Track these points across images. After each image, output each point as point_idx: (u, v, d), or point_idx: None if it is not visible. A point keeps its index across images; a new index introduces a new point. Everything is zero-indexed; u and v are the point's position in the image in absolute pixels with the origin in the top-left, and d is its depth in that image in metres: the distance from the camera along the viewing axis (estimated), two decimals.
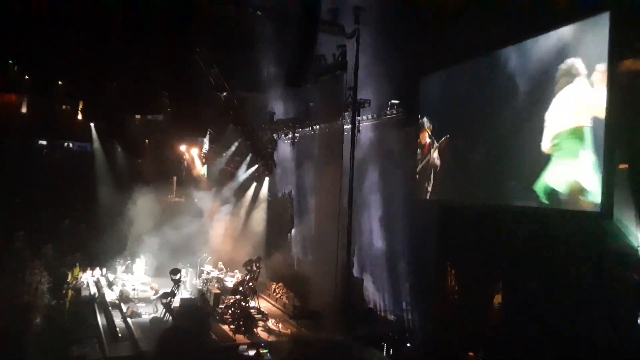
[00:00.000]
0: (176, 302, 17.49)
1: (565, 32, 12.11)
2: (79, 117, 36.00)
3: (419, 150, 17.24)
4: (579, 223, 12.04)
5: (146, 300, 19.34)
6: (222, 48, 20.84)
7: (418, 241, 17.26)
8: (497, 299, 15.08)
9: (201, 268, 21.82)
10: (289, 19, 17.42)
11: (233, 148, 24.83)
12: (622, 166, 11.85)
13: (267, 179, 25.26)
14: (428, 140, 16.90)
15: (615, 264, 11.66)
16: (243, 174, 24.92)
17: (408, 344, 16.63)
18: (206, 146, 27.07)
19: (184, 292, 19.78)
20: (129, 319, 17.12)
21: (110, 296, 19.86)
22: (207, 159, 27.68)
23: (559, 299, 12.64)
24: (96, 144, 28.81)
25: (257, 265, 18.66)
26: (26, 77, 35.36)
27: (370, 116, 19.41)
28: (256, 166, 24.49)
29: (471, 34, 14.43)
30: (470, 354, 14.76)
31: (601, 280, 11.78)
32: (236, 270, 21.16)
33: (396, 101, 18.39)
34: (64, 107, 36.65)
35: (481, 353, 14.58)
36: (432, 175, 16.69)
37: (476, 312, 15.45)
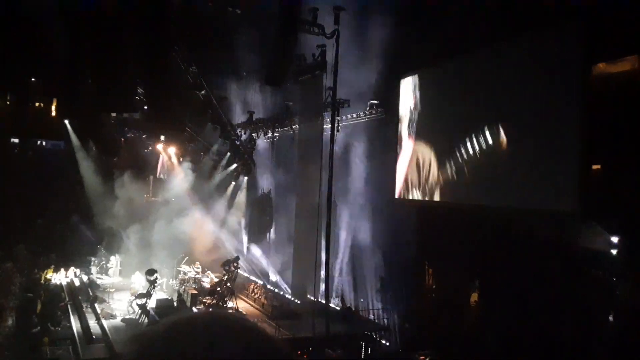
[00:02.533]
0: (152, 303, 17.24)
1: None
2: (53, 114, 35.27)
3: (399, 149, 17.38)
4: (554, 223, 12.27)
5: (121, 301, 19.02)
6: (201, 47, 20.64)
7: (396, 240, 17.38)
8: (474, 297, 15.30)
9: (178, 268, 21.56)
10: (269, 18, 17.35)
11: (211, 147, 24.62)
12: (595, 167, 12.14)
13: (245, 179, 25.13)
14: (409, 139, 17.05)
15: (589, 263, 11.92)
16: (221, 173, 24.73)
17: (386, 342, 16.74)
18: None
19: (160, 293, 19.50)
20: (103, 321, 16.81)
21: (84, 297, 19.46)
22: (184, 158, 27.38)
23: (534, 298, 12.88)
24: (74, 141, 28.14)
25: (235, 265, 18.52)
26: None
27: (349, 116, 19.47)
28: (235, 165, 24.34)
29: (451, 34, 14.63)
30: (421, 357, 15.01)
31: (575, 279, 12.02)
32: (208, 272, 20.96)
33: (375, 101, 18.49)
34: (37, 104, 35.86)
35: (431, 354, 14.83)
36: (412, 174, 16.84)
37: (453, 311, 15.63)
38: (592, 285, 11.89)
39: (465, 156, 14.44)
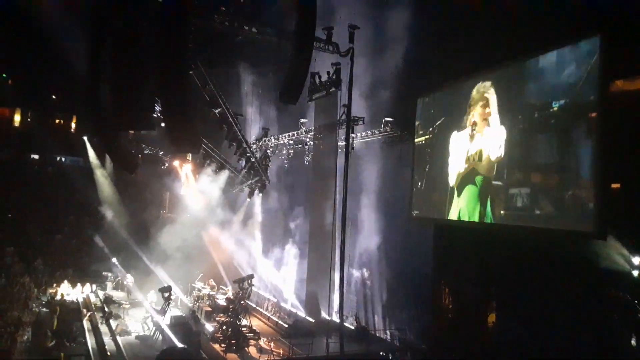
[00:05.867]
0: (166, 320, 17.25)
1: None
2: (73, 131, 35.95)
3: (414, 167, 17.27)
4: (573, 243, 12.04)
5: (136, 318, 19.07)
6: (217, 65, 20.87)
7: (412, 259, 17.21)
8: (492, 317, 15.02)
9: (192, 285, 21.58)
10: (285, 37, 17.51)
11: (227, 164, 24.77)
12: (614, 185, 11.90)
13: (260, 195, 25.15)
14: (425, 158, 16.96)
15: (608, 284, 11.65)
16: (237, 189, 24.79)
17: None
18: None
19: (175, 310, 19.52)
20: (118, 337, 16.85)
21: (100, 313, 19.55)
22: (200, 175, 27.55)
23: (552, 319, 12.61)
24: (91, 158, 28.63)
25: (249, 282, 18.46)
26: (19, 90, 35.35)
27: (364, 133, 19.48)
28: (250, 182, 24.40)
29: (469, 53, 14.65)
30: None
31: (595, 300, 11.75)
32: (229, 287, 20.96)
33: (390, 119, 18.48)
34: (57, 121, 36.61)
35: None
36: (428, 193, 16.71)
37: (470, 331, 15.34)
38: (612, 306, 11.60)
39: (480, 176, 14.29)
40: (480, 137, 14.39)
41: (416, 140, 17.21)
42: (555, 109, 11.96)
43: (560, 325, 12.24)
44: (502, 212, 13.37)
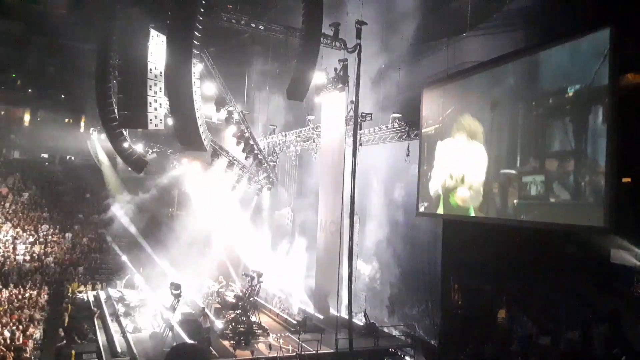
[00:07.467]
0: (177, 317, 17.31)
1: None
2: (82, 130, 36.22)
3: (421, 163, 17.19)
4: (584, 239, 11.95)
5: (146, 315, 19.15)
6: (224, 62, 20.92)
7: (421, 255, 17.17)
8: (502, 313, 14.97)
9: (201, 282, 21.64)
10: (292, 34, 17.52)
11: (235, 162, 24.86)
12: (625, 180, 11.80)
13: (268, 192, 25.21)
14: (432, 153, 16.88)
15: (620, 280, 11.57)
16: (245, 187, 24.87)
17: (411, 359, 16.45)
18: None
19: (185, 307, 19.59)
20: (128, 335, 16.93)
21: (110, 311, 19.66)
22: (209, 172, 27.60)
23: (563, 313, 12.55)
24: (99, 157, 28.86)
25: (258, 280, 18.50)
26: (29, 90, 35.68)
27: (372, 129, 19.41)
28: (258, 179, 24.46)
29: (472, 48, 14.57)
30: None
31: (606, 296, 11.67)
32: (238, 284, 21.02)
33: (398, 114, 18.41)
34: (66, 120, 36.90)
35: None
36: (436, 189, 16.64)
37: (480, 327, 15.31)
38: (623, 302, 11.53)
39: (489, 171, 14.20)
40: (490, 126, 14.25)
41: (424, 131, 17.07)
42: (571, 94, 11.82)
43: (572, 320, 12.18)
44: (515, 201, 13.21)
